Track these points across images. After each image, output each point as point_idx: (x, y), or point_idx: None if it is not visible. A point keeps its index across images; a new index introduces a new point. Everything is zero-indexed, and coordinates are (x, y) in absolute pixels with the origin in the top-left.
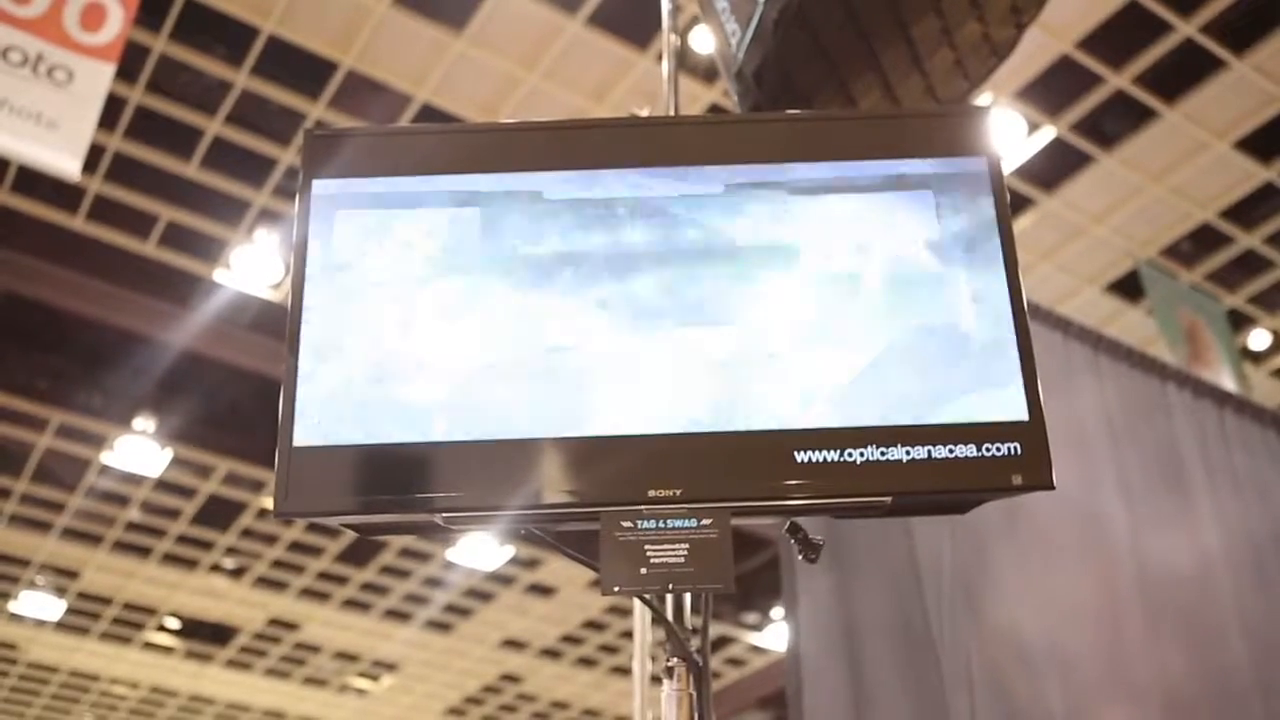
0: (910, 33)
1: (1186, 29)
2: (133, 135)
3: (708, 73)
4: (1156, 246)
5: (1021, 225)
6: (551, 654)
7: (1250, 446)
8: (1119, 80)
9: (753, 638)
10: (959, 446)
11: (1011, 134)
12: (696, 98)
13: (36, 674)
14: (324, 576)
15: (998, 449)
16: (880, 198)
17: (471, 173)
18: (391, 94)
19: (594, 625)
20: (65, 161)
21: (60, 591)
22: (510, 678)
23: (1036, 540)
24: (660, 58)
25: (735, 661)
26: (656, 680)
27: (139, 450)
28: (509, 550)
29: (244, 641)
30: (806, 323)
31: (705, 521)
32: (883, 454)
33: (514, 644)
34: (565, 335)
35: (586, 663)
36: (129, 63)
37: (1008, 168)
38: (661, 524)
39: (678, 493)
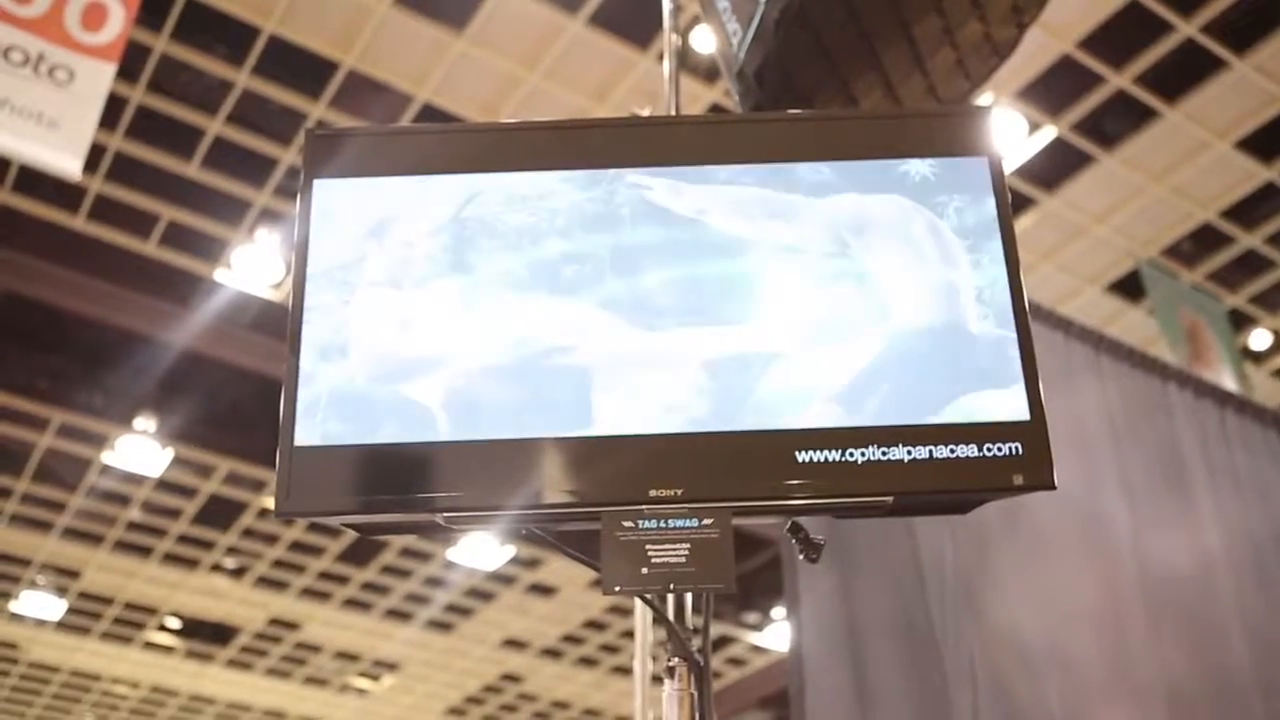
0: (912, 32)
1: (1187, 29)
2: (134, 135)
3: (709, 72)
4: (1157, 246)
5: (1023, 225)
6: (552, 654)
7: (1251, 446)
8: (1120, 80)
9: (753, 637)
10: (960, 446)
11: (1012, 134)
12: (698, 97)
13: (37, 674)
14: (325, 576)
15: (999, 449)
16: (881, 198)
17: (472, 172)
18: (392, 94)
19: (595, 625)
20: (66, 161)
21: (61, 591)
22: (511, 677)
23: (1038, 540)
24: (661, 57)
25: (736, 661)
26: (657, 680)
27: (140, 450)
28: (510, 550)
29: (245, 641)
30: (807, 323)
31: (706, 521)
32: (884, 454)
33: (515, 644)
34: (566, 335)
35: (587, 662)
36: (130, 62)
37: (1009, 167)
38: (662, 524)
39: (679, 492)
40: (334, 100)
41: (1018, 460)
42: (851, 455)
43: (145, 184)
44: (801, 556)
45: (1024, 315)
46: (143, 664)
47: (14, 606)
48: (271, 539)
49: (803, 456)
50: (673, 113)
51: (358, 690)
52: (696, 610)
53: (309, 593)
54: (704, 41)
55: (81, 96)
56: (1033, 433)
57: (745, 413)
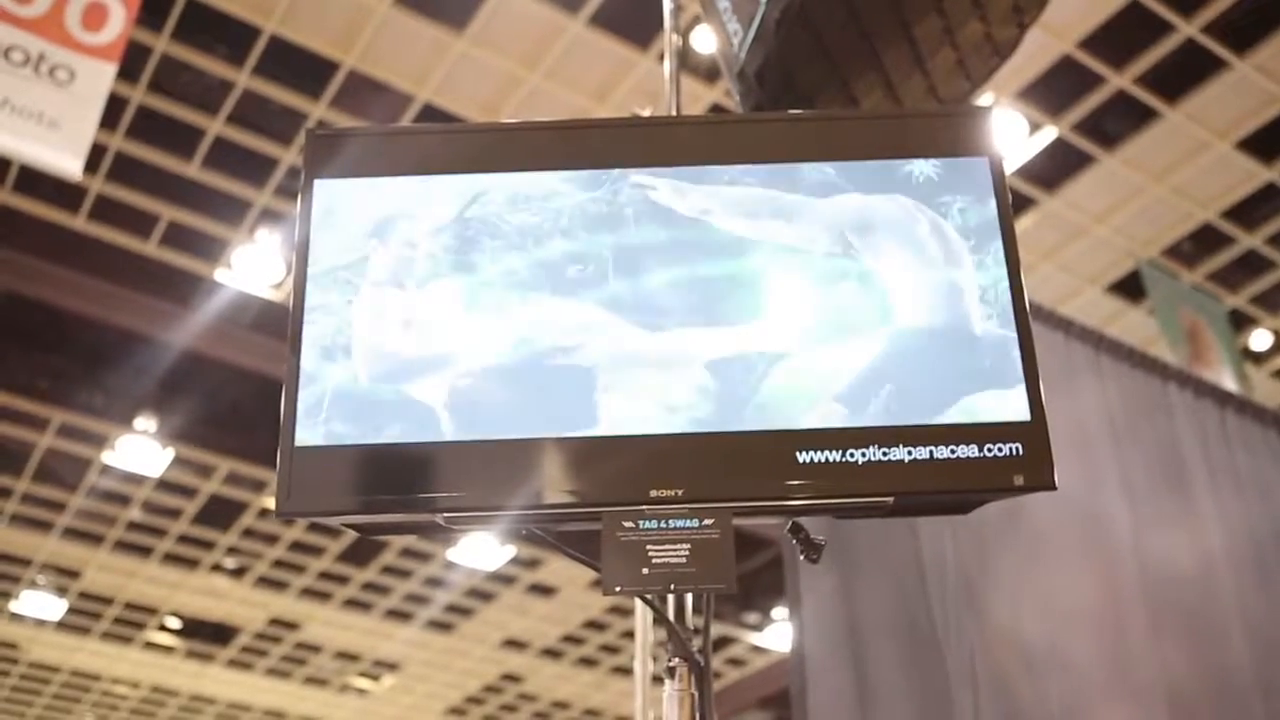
0: (912, 32)
1: (1188, 29)
2: (134, 135)
3: (710, 73)
4: (1158, 246)
5: (1023, 225)
6: (552, 654)
7: (1252, 446)
8: (1120, 80)
9: (754, 638)
10: (961, 447)
11: (1013, 134)
12: (698, 98)
13: (37, 674)
14: (325, 576)
15: (1000, 449)
16: (884, 198)
17: (473, 172)
18: (393, 94)
19: (595, 625)
20: (67, 161)
21: (61, 591)
22: (511, 677)
23: (1039, 540)
24: (662, 58)
25: (736, 661)
26: (658, 680)
27: (140, 450)
28: (510, 550)
29: (245, 641)
30: (811, 323)
31: (707, 521)
32: (885, 454)
33: (515, 644)
34: (569, 335)
35: (588, 663)
36: (130, 62)
37: (1009, 168)
38: (663, 524)
39: (679, 493)
40: (334, 100)
41: (1018, 461)
42: (852, 456)
43: (146, 184)
44: (802, 557)
45: (1025, 315)
46: (143, 664)
47: (14, 606)
48: (272, 539)
49: (803, 457)
50: (673, 113)
51: (358, 690)
52: (697, 610)
53: (309, 593)
54: (705, 41)
55: (82, 96)
56: (1033, 433)
57: (746, 413)
